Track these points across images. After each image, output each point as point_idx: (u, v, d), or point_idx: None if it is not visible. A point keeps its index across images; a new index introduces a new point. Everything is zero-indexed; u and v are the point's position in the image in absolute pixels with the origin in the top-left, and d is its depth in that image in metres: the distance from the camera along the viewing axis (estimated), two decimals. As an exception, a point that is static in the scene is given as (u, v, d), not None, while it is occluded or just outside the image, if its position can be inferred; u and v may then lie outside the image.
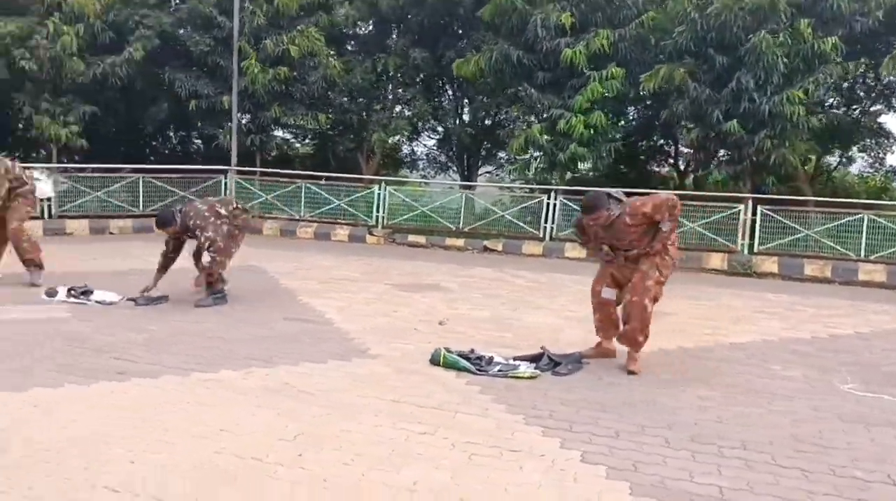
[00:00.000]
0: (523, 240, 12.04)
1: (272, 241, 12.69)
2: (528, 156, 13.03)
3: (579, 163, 12.76)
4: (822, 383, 5.40)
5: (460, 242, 12.24)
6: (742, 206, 11.31)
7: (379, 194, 12.79)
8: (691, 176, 15.73)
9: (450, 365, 5.37)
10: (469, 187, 13.86)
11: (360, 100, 15.22)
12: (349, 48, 15.92)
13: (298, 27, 13.48)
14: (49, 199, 12.59)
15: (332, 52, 13.82)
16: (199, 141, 17.68)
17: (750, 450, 4.04)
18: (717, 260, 10.98)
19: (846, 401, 4.96)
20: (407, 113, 15.71)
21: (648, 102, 14.29)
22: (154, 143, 17.76)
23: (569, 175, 13.31)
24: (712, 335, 6.86)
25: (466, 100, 16.49)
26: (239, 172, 14.07)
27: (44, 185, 12.37)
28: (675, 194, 5.59)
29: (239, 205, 7.64)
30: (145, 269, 7.65)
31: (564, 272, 10.42)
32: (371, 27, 15.43)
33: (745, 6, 10.67)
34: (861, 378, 5.55)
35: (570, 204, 11.91)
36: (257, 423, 4.18)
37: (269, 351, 5.69)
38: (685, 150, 15.83)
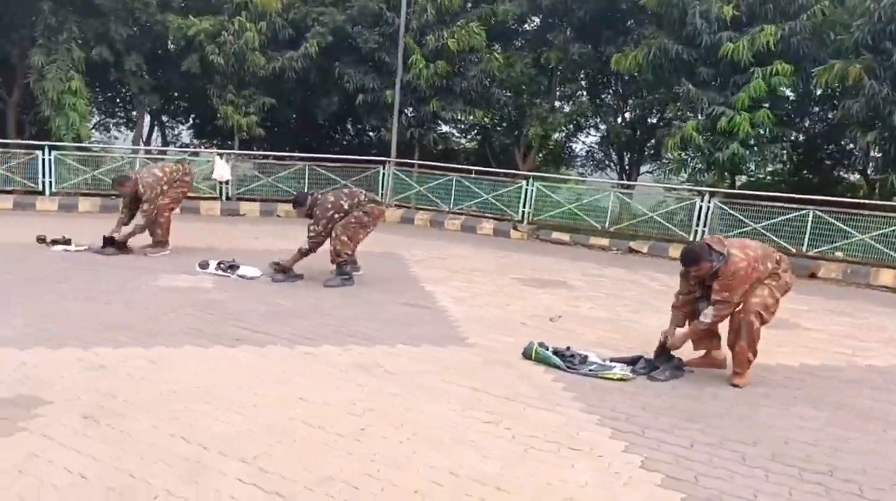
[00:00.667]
0: (671, 243, 11.52)
1: (420, 231, 13.12)
2: (685, 156, 12.46)
3: (743, 165, 11.99)
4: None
5: (605, 242, 11.95)
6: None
7: (526, 189, 12.79)
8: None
9: (541, 360, 5.34)
10: (621, 186, 13.47)
11: (520, 95, 15.27)
12: (515, 44, 15.99)
13: (458, 22, 13.77)
14: (227, 183, 13.82)
15: (492, 47, 14.00)
16: (371, 132, 18.55)
17: (836, 477, 3.70)
18: (887, 277, 9.90)
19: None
20: (566, 109, 15.56)
21: (835, 102, 13.12)
22: (325, 134, 18.89)
23: (743, 179, 12.55)
24: (849, 355, 6.24)
25: (632, 98, 16.05)
26: (397, 164, 14.66)
27: (222, 170, 13.65)
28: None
29: (367, 196, 7.97)
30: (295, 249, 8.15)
31: (632, 269, 9.94)
32: (536, 22, 15.39)
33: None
34: None
35: (725, 208, 11.27)
36: (336, 396, 4.42)
37: (373, 331, 5.96)
38: (874, 155, 14.37)
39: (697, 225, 11.39)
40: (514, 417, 4.27)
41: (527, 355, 5.44)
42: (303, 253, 7.74)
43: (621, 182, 13.29)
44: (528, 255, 10.83)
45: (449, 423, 4.11)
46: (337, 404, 4.29)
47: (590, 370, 5.20)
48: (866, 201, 11.07)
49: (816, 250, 10.58)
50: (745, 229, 11.04)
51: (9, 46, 16.36)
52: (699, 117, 11.56)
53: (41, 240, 9.20)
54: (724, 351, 5.33)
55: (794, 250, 10.47)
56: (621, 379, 5.09)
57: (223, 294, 7.00)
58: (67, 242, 9.09)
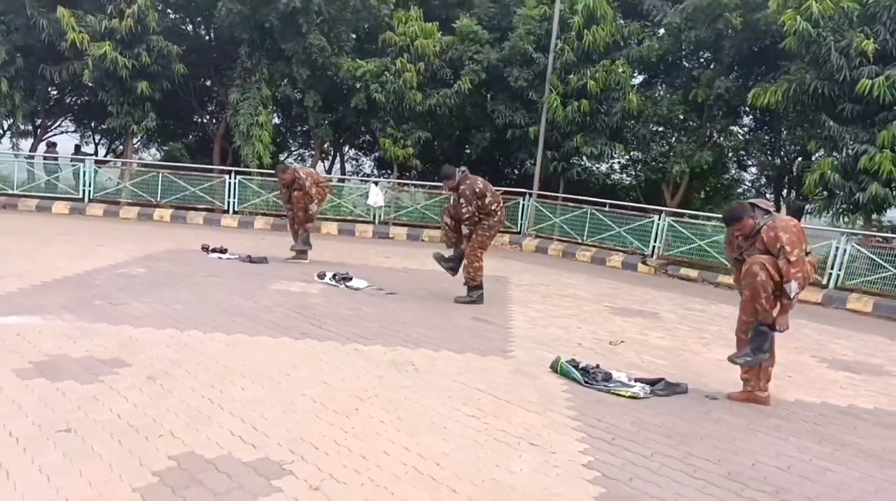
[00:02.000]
0: (801, 284, 10.96)
1: (551, 261, 13.49)
2: (824, 194, 11.77)
3: (887, 206, 11.12)
4: None
5: (731, 280, 11.60)
6: None
7: (658, 224, 12.75)
8: None
9: (563, 374, 5.66)
10: None
11: (668, 131, 15.22)
12: (660, 79, 15.98)
13: (602, 62, 14.08)
14: (380, 208, 15.09)
15: (633, 86, 14.15)
16: (525, 165, 19.20)
17: (769, 494, 3.75)
18: None
19: None
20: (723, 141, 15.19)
21: None
22: (478, 167, 19.79)
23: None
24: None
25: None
26: (539, 196, 15.18)
27: (376, 197, 14.94)
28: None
29: (502, 205, 8.37)
30: (416, 269, 8.79)
31: (823, 322, 9.34)
32: (682, 58, 15.28)
33: None
34: None
35: (863, 249, 10.54)
36: (353, 383, 5.09)
37: (429, 338, 6.56)
38: None
39: (832, 268, 10.73)
40: (499, 415, 4.68)
41: (553, 368, 5.78)
42: (474, 261, 8.16)
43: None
44: (640, 287, 10.85)
45: (436, 414, 4.61)
46: (349, 389, 4.96)
47: (605, 385, 5.43)
48: None
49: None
50: (885, 274, 10.27)
51: (217, 86, 19.10)
52: (839, 155, 10.95)
53: (204, 248, 10.82)
54: (770, 391, 5.35)
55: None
56: (632, 397, 5.28)
57: (321, 299, 7.96)
58: (223, 251, 10.63)
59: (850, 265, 10.68)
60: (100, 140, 24.40)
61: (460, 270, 8.33)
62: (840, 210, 11.50)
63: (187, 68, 16.69)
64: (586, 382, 5.49)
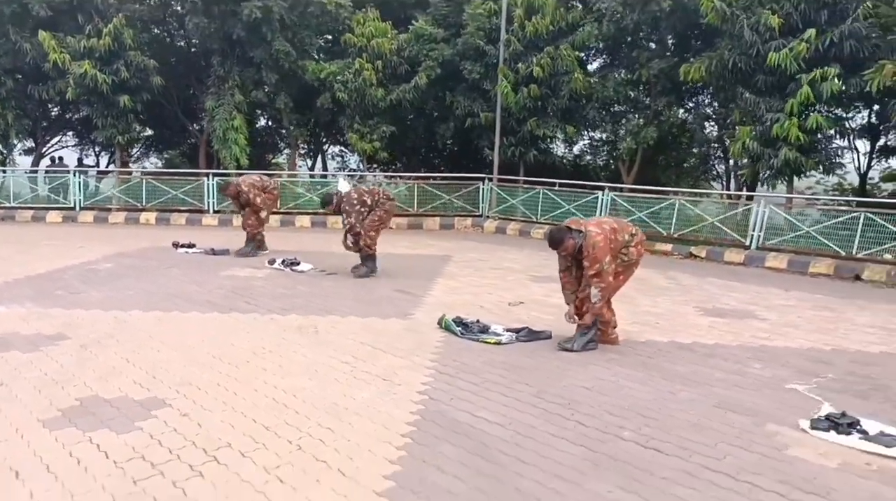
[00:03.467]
0: (727, 248, 11.76)
1: (507, 239, 14.31)
2: (749, 162, 12.51)
3: (803, 170, 11.85)
4: (774, 382, 5.27)
5: (668, 247, 12.40)
6: None
7: (602, 199, 13.55)
8: None
9: (446, 328, 6.55)
10: (691, 194, 13.56)
11: (613, 110, 16.01)
12: (604, 62, 16.77)
13: (546, 49, 14.88)
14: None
15: (578, 69, 14.94)
16: (488, 152, 20.07)
17: (565, 407, 4.60)
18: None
19: (765, 398, 4.88)
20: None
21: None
22: (446, 155, 20.74)
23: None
24: (747, 336, 6.67)
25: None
26: (500, 180, 16.05)
27: (342, 187, 15.81)
28: None
29: (385, 194, 9.47)
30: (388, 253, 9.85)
31: (734, 279, 10.09)
32: (625, 42, 16.03)
33: None
34: (838, 388, 5.21)
35: (779, 212, 11.33)
36: (256, 343, 6.00)
37: (343, 307, 7.46)
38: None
39: (753, 230, 11.51)
40: (368, 361, 5.57)
41: (439, 324, 6.66)
42: (365, 240, 9.26)
43: (693, 191, 13.45)
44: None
45: (313, 362, 5.52)
46: (250, 348, 5.87)
47: (477, 336, 6.30)
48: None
49: (865, 252, 10.38)
50: (798, 232, 11.07)
51: (200, 93, 20.09)
52: (758, 125, 11.70)
53: (175, 244, 11.79)
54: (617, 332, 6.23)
55: (843, 253, 10.40)
56: (496, 343, 6.15)
57: (263, 282, 8.89)
58: (191, 246, 11.58)
59: (769, 227, 11.43)
60: (100, 152, 25.53)
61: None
62: (765, 176, 12.25)
63: (171, 80, 17.70)
64: (462, 334, 6.38)
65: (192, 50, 19.74)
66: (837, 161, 12.46)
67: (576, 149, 20.48)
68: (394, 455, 3.83)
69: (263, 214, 11.09)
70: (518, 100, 15.10)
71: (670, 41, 14.53)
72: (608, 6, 14.29)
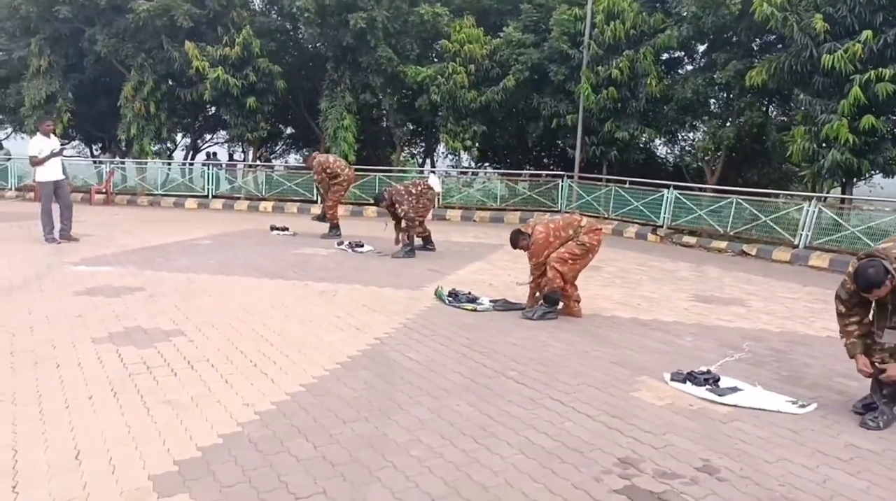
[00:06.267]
0: (776, 246, 11.97)
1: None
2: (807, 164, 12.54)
3: (857, 171, 11.79)
4: (688, 351, 6.01)
5: (723, 245, 12.75)
6: None
7: (667, 197, 14.04)
8: None
9: (438, 297, 7.71)
10: (743, 193, 13.57)
11: (690, 113, 16.32)
12: (689, 66, 17.04)
13: (626, 52, 15.49)
14: (439, 194, 17.34)
15: (657, 72, 15.43)
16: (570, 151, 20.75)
17: (479, 353, 5.68)
18: None
19: (663, 361, 5.66)
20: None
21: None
22: (536, 153, 21.63)
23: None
24: (725, 322, 7.30)
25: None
26: (581, 178, 16.84)
27: (434, 184, 17.21)
28: None
29: (427, 185, 10.75)
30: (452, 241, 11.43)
31: (776, 277, 10.34)
32: (705, 44, 16.26)
33: None
34: (748, 359, 5.87)
35: (827, 210, 11.43)
36: (279, 300, 7.45)
37: (371, 279, 8.76)
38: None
39: (803, 229, 11.67)
40: (356, 316, 6.86)
41: (435, 294, 7.83)
42: (412, 228, 10.67)
43: (742, 190, 13.51)
44: (629, 252, 12.32)
45: (313, 315, 6.87)
46: (272, 302, 7.34)
47: (460, 304, 7.41)
48: None
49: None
50: (844, 232, 11.16)
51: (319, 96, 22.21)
52: (813, 126, 11.83)
53: (272, 227, 13.63)
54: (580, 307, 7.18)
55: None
56: (473, 310, 7.24)
57: (323, 259, 10.39)
58: (284, 229, 13.37)
59: (820, 227, 11.57)
60: (247, 148, 28.58)
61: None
62: (822, 178, 12.30)
63: (295, 83, 19.94)
64: (449, 302, 7.51)
65: (311, 57, 21.85)
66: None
67: (677, 150, 20.73)
68: (319, 373, 5.09)
69: (342, 182, 12.46)
70: (598, 101, 15.80)
71: (751, 43, 14.69)
72: (687, 9, 14.69)
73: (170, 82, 20.83)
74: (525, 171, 18.56)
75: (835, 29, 11.50)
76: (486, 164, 22.80)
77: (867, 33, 10.93)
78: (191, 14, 18.61)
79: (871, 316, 4.50)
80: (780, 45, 13.42)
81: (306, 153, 14.37)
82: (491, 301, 7.56)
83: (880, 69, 10.86)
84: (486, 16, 18.80)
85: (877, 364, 4.39)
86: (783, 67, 12.13)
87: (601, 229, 7.34)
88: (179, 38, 19.48)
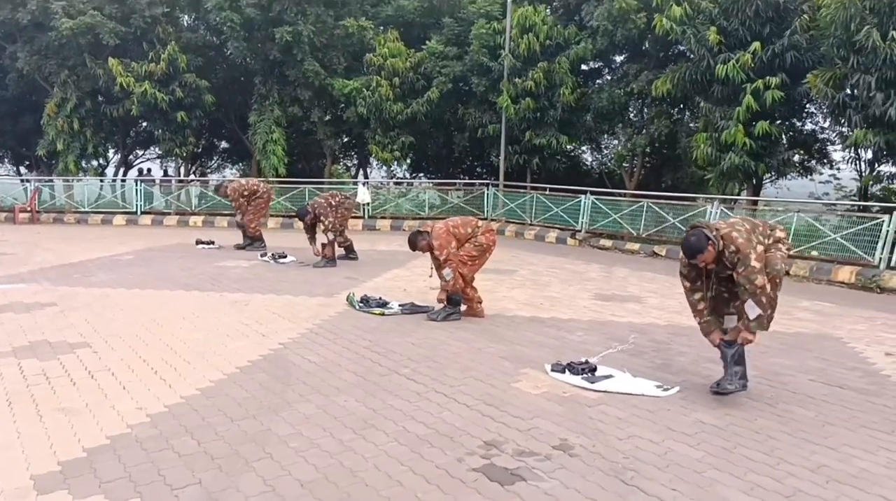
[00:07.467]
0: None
1: (503, 240, 15.54)
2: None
3: (753, 174, 12.59)
4: (577, 344, 6.41)
5: (636, 246, 13.35)
6: None
7: (584, 203, 14.61)
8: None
9: (350, 303, 7.98)
10: (657, 197, 14.29)
11: (606, 122, 17.03)
12: (604, 77, 17.82)
13: (540, 64, 16.08)
14: (367, 204, 17.65)
15: (572, 82, 16.08)
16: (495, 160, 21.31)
17: (377, 354, 5.96)
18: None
19: (549, 354, 6.03)
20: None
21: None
22: (464, 164, 22.20)
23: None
24: (617, 317, 7.75)
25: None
26: (507, 186, 17.35)
27: (363, 195, 17.51)
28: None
29: (343, 195, 11.07)
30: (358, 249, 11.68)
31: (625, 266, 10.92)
32: (616, 55, 17.02)
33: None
34: (631, 351, 6.29)
35: (729, 213, 12.17)
36: (189, 311, 7.61)
37: (286, 288, 8.98)
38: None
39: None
40: (266, 324, 7.07)
41: (347, 300, 8.10)
42: (330, 242, 10.91)
43: (654, 194, 14.22)
44: (547, 256, 12.78)
45: (223, 324, 7.06)
46: (182, 313, 7.49)
47: (369, 309, 7.70)
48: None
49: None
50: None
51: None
52: (713, 133, 12.56)
53: (197, 241, 13.70)
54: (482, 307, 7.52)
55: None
56: (380, 314, 7.54)
57: (243, 270, 10.54)
58: (210, 243, 13.45)
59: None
60: (181, 163, 28.35)
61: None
62: (721, 180, 13.04)
63: (225, 98, 19.95)
64: (360, 308, 7.79)
65: (241, 72, 21.92)
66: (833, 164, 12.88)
67: (601, 157, 21.43)
68: (217, 377, 5.31)
69: (262, 195, 12.74)
70: (518, 111, 16.33)
71: (659, 55, 15.42)
72: (598, 23, 15.33)
73: (98, 98, 20.66)
74: (458, 181, 18.97)
75: (728, 41, 12.26)
76: (420, 174, 23.17)
77: (756, 44, 11.69)
78: (116, 32, 18.54)
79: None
80: (685, 57, 14.12)
81: (217, 183, 14.48)
82: (400, 305, 7.86)
83: (768, 78, 11.60)
84: (410, 29, 19.25)
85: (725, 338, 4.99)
86: (685, 77, 12.84)
87: (494, 229, 7.72)
88: (104, 55, 19.35)
